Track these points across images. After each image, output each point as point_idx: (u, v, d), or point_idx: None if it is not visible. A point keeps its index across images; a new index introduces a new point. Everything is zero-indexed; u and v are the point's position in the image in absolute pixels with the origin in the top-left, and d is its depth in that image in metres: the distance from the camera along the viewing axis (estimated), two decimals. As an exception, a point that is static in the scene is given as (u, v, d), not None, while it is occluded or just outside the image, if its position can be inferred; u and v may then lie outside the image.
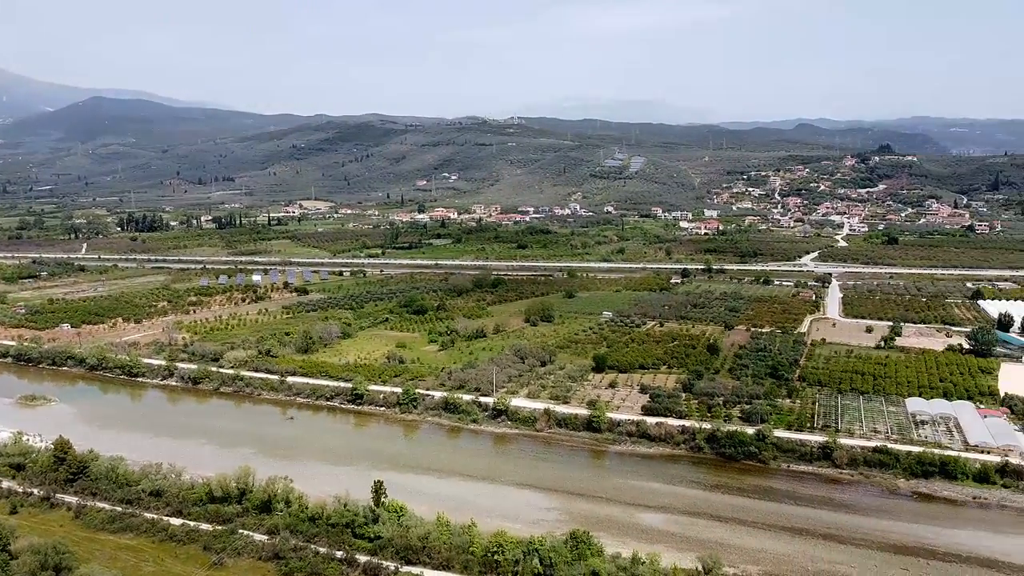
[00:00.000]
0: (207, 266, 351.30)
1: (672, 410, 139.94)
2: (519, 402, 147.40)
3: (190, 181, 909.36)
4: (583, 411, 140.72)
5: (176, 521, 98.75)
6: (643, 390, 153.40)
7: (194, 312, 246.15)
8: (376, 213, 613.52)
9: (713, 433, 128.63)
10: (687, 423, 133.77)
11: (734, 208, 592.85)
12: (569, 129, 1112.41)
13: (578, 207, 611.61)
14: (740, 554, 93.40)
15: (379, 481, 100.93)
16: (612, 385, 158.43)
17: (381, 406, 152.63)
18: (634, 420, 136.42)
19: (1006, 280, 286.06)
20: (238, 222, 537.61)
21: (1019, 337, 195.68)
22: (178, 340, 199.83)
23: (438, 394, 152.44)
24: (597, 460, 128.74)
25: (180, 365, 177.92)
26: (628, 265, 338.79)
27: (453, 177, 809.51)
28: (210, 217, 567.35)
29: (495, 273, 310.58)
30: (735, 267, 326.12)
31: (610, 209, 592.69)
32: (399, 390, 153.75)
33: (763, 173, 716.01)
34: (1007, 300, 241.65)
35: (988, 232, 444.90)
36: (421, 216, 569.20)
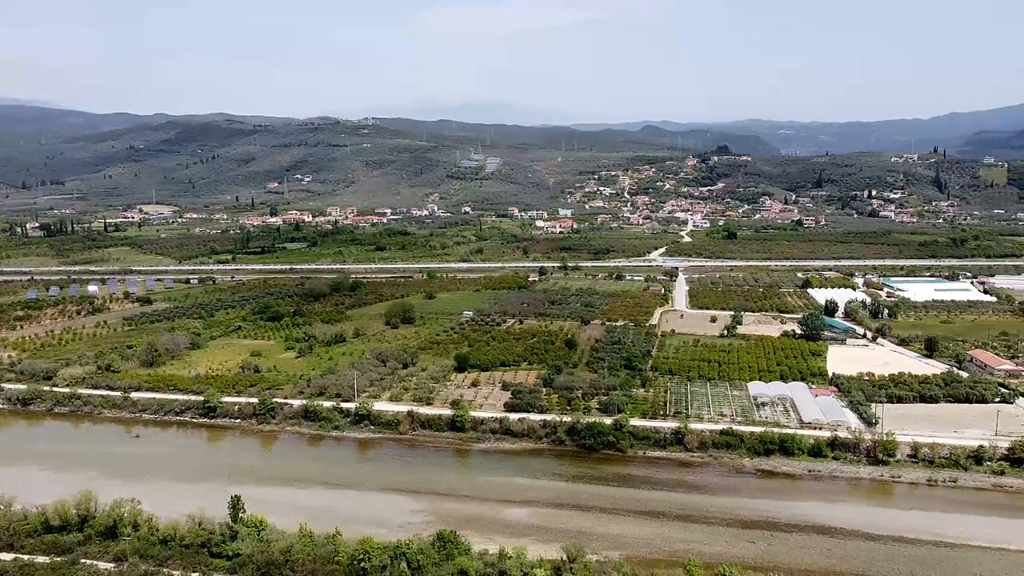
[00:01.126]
0: (35, 277, 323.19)
1: (534, 405, 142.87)
2: (382, 406, 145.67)
3: (12, 185, 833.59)
4: (447, 411, 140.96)
5: (7, 556, 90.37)
6: (505, 387, 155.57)
7: (21, 328, 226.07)
8: (225, 217, 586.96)
9: (573, 426, 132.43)
10: (548, 417, 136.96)
11: (587, 207, 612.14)
12: (425, 130, 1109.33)
13: (436, 208, 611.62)
14: (603, 541, 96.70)
15: (236, 496, 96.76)
16: (475, 384, 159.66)
17: (236, 418, 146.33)
18: (497, 417, 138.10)
19: (831, 269, 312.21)
20: (70, 229, 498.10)
21: (843, 321, 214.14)
22: (2, 359, 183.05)
23: (297, 402, 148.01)
24: (462, 459, 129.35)
25: (6, 386, 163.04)
26: (487, 264, 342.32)
27: (307, 179, 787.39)
28: (37, 224, 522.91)
29: (353, 276, 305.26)
30: (590, 264, 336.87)
31: (468, 209, 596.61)
32: (255, 400, 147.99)
33: (613, 173, 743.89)
34: (832, 288, 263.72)
35: (814, 226, 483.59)
36: (274, 219, 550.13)
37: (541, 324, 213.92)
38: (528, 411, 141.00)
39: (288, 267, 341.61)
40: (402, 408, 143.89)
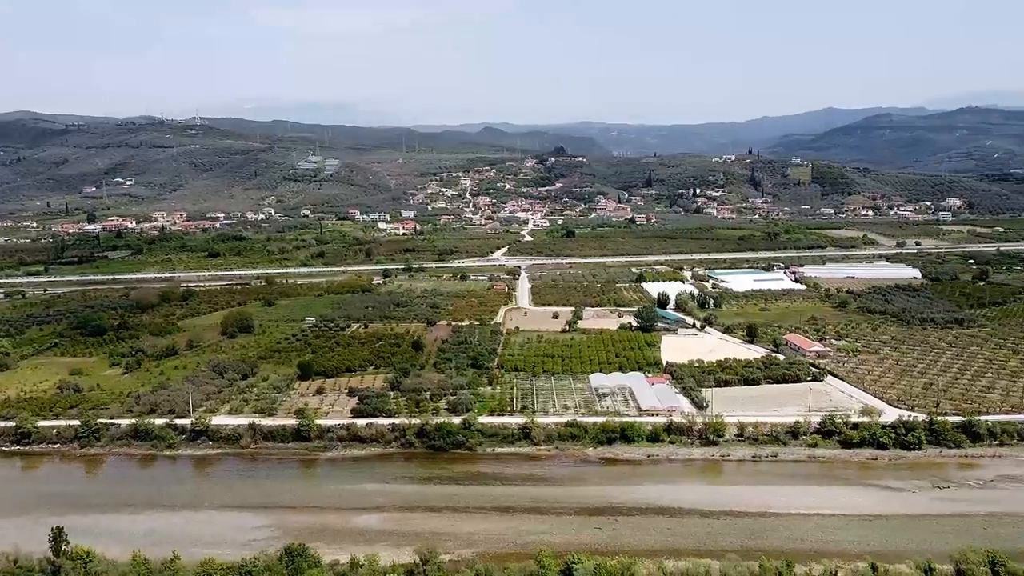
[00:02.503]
0: None
1: (381, 410, 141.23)
2: (220, 420, 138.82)
3: None
4: (291, 421, 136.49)
5: None
6: (352, 393, 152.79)
7: None
8: (35, 225, 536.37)
9: (422, 427, 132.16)
10: (397, 421, 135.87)
11: (430, 208, 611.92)
12: (258, 131, 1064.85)
13: (273, 211, 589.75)
14: (456, 540, 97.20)
15: (58, 528, 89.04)
16: (320, 391, 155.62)
17: (55, 443, 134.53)
18: (344, 424, 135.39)
19: (662, 264, 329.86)
20: None
21: (674, 313, 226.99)
22: None
23: (125, 421, 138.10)
24: (309, 469, 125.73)
25: None
26: (329, 269, 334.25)
27: (129, 182, 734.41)
28: None
29: (185, 285, 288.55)
30: (434, 265, 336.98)
31: (307, 213, 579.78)
32: (77, 422, 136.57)
33: (455, 174, 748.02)
34: (663, 281, 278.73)
35: (646, 223, 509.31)
36: (92, 226, 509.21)
37: (387, 327, 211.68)
38: (376, 416, 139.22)
39: (111, 277, 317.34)
40: (243, 421, 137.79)
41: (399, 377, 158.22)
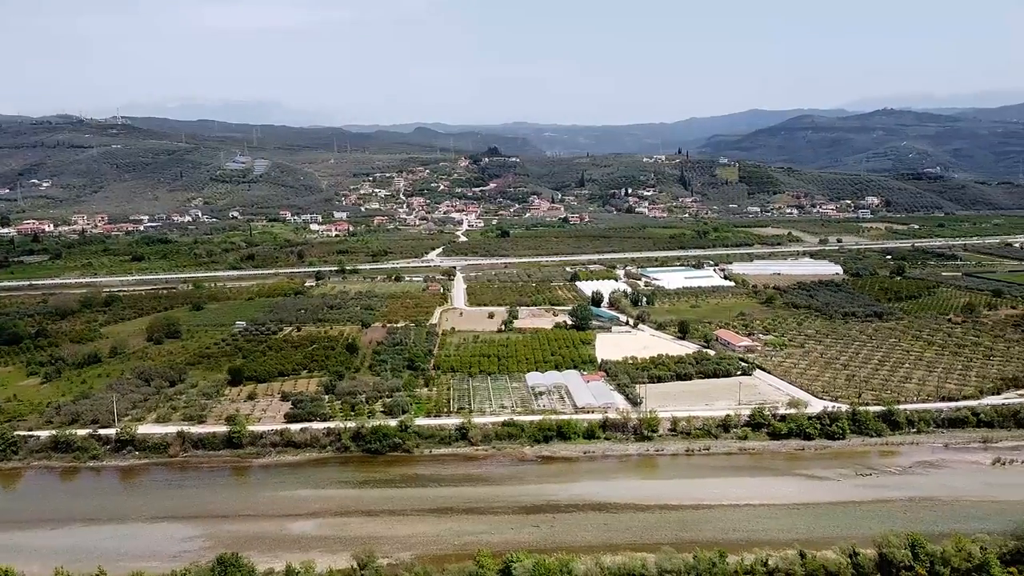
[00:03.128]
0: None
1: (316, 414, 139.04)
2: (148, 429, 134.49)
3: None
4: (222, 428, 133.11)
5: None
6: (285, 397, 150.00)
7: None
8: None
9: (358, 431, 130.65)
10: (332, 425, 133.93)
11: (363, 209, 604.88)
12: (183, 130, 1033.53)
13: (200, 213, 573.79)
14: (393, 544, 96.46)
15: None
16: (251, 397, 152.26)
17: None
18: (277, 429, 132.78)
19: (595, 263, 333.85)
20: None
21: (608, 311, 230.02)
22: None
23: (45, 433, 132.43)
24: (241, 477, 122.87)
25: None
26: (259, 271, 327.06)
27: (45, 184, 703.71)
28: None
29: (108, 290, 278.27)
30: (368, 266, 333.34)
31: (236, 214, 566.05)
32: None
33: (388, 174, 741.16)
34: (597, 280, 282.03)
35: (579, 223, 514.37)
36: (5, 231, 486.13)
37: (320, 330, 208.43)
38: (310, 420, 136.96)
39: (27, 283, 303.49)
40: (171, 429, 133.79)
41: (333, 380, 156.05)
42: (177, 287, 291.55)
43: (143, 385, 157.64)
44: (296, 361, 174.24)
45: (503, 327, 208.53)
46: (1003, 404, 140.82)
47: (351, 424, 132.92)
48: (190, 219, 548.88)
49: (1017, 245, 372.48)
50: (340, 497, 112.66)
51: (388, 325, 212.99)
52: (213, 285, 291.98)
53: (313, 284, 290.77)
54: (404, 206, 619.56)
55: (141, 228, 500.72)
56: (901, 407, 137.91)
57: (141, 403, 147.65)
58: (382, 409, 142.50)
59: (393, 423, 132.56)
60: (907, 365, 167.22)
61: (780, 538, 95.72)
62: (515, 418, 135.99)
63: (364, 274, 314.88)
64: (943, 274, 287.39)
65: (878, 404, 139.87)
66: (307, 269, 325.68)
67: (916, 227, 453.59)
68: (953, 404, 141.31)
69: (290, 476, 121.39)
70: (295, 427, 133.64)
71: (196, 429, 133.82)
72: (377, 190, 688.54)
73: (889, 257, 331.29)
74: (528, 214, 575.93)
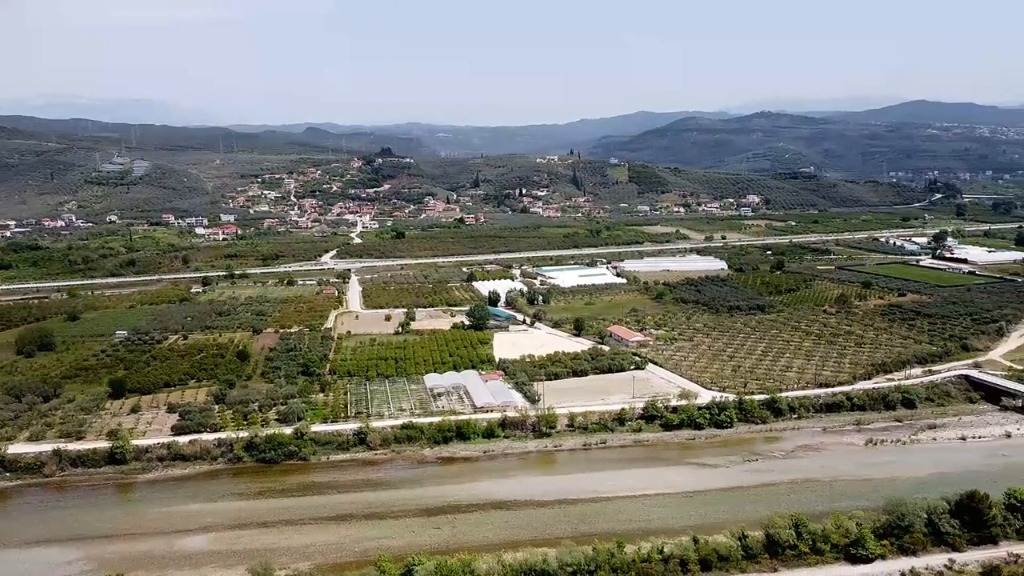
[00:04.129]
0: None
1: (206, 425, 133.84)
2: (19, 448, 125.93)
3: None
4: (103, 444, 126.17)
5: None
6: (171, 409, 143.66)
7: None
8: None
9: (251, 440, 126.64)
10: (223, 435, 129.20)
11: (252, 212, 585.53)
12: (53, 129, 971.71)
13: (74, 217, 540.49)
14: (291, 555, 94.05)
15: None
16: (135, 410, 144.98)
17: None
18: (164, 443, 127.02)
19: (491, 263, 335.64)
20: None
21: (505, 310, 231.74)
22: None
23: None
24: (126, 494, 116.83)
25: None
26: (141, 278, 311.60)
27: None
28: None
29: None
30: (258, 271, 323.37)
31: (114, 218, 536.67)
32: None
33: (278, 176, 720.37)
34: (494, 279, 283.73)
35: (475, 223, 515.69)
36: None
37: (209, 338, 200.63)
38: (200, 432, 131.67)
39: None
40: (46, 447, 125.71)
41: (224, 390, 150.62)
42: (50, 296, 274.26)
43: (13, 402, 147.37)
44: (183, 371, 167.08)
45: (400, 329, 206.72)
46: (873, 388, 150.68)
47: (244, 434, 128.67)
48: (63, 224, 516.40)
49: (883, 239, 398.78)
50: (234, 510, 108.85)
51: (281, 331, 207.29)
52: (90, 294, 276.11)
53: (200, 290, 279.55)
54: (296, 208, 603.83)
55: (8, 234, 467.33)
56: (783, 395, 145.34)
57: (11, 421, 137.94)
58: (276, 417, 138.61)
59: (288, 431, 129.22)
60: (788, 355, 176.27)
61: (675, 525, 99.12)
62: (414, 420, 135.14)
63: (255, 279, 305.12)
64: (818, 268, 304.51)
65: (762, 393, 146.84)
66: (193, 275, 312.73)
67: (793, 224, 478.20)
68: (830, 390, 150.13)
69: (179, 490, 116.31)
70: (183, 439, 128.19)
71: (74, 446, 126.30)
72: (267, 192, 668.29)
73: (769, 253, 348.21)
74: (423, 215, 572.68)
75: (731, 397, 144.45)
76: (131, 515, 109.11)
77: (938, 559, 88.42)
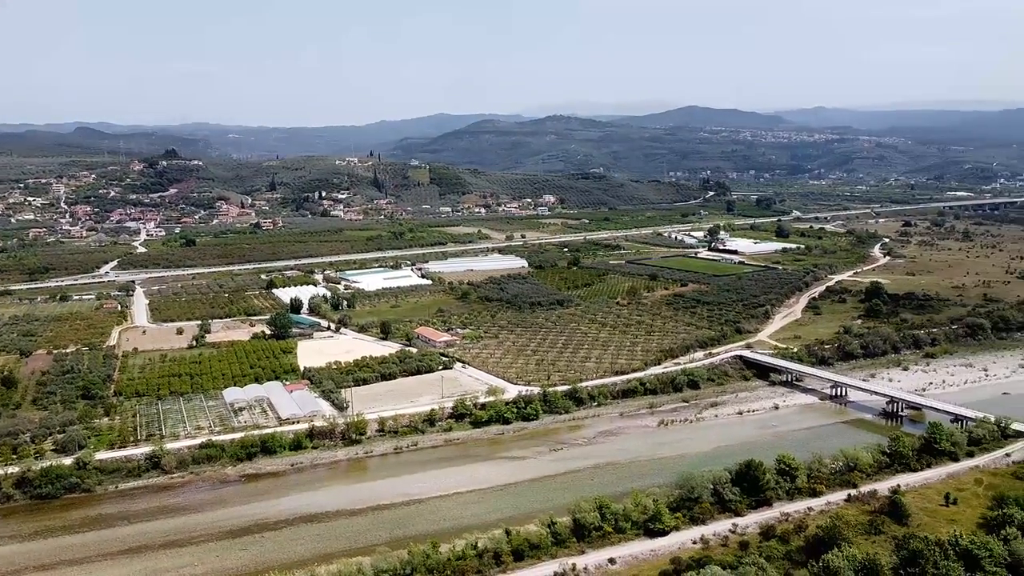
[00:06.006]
0: None
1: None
2: None
3: None
4: None
5: None
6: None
7: None
8: None
9: (23, 476, 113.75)
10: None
11: (13, 221, 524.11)
12: None
13: None
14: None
15: None
16: None
17: None
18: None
19: (292, 269, 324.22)
20: None
21: (308, 317, 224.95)
22: None
23: None
24: None
25: None
26: None
27: None
28: None
29: None
30: (24, 286, 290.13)
31: None
32: None
33: (44, 181, 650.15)
34: (295, 286, 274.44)
35: (273, 228, 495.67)
36: None
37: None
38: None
39: None
40: None
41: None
42: None
43: None
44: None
45: (195, 343, 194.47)
46: (663, 373, 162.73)
47: (14, 469, 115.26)
48: None
49: (666, 234, 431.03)
50: (6, 555, 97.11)
51: (55, 351, 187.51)
52: None
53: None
54: (67, 216, 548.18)
55: None
56: (584, 385, 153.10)
57: None
58: (53, 447, 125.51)
59: (68, 461, 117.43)
60: (587, 346, 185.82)
61: (488, 520, 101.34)
62: (214, 438, 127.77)
63: (20, 295, 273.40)
64: (611, 263, 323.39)
65: (565, 384, 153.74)
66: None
67: (587, 222, 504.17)
68: (625, 377, 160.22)
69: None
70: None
71: None
72: (31, 199, 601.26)
73: (566, 250, 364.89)
74: (216, 220, 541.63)
75: (536, 390, 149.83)
76: None
77: (723, 525, 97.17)
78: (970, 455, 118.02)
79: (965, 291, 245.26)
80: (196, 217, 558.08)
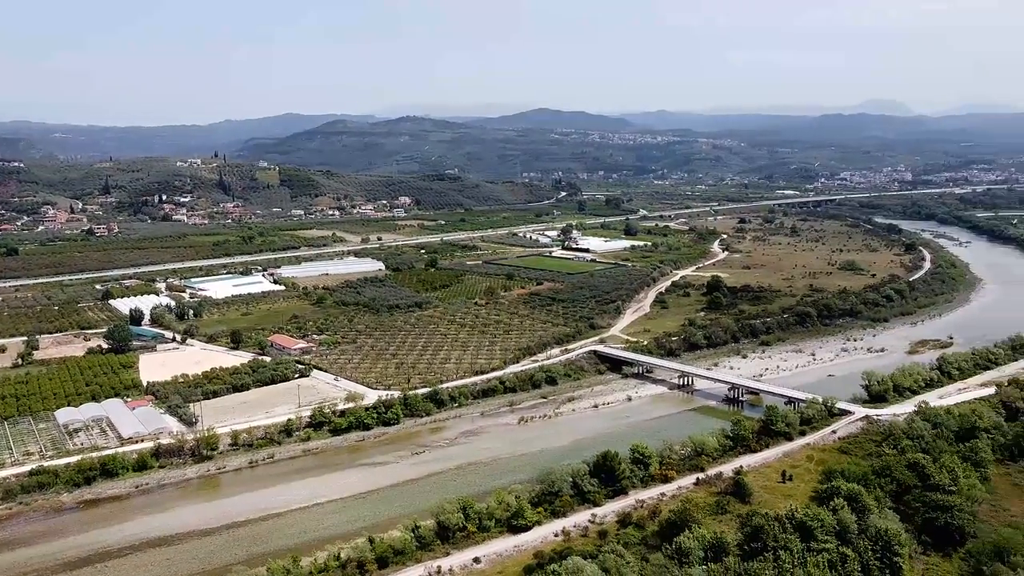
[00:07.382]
0: None
1: None
2: None
3: None
4: None
5: None
6: None
7: None
8: None
9: None
10: None
11: None
12: None
13: None
14: None
15: None
16: None
17: None
18: None
19: (131, 277, 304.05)
20: None
21: (151, 328, 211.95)
22: None
23: None
24: None
25: None
26: None
27: None
28: None
29: None
30: None
31: None
32: None
33: None
34: (135, 296, 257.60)
35: (108, 234, 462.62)
36: None
37: None
38: None
39: None
40: None
41: None
42: None
43: None
44: None
45: (20, 361, 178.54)
46: (522, 371, 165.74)
47: None
48: None
49: (521, 234, 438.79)
50: None
51: None
52: None
53: None
54: None
55: None
56: (444, 386, 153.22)
57: None
58: None
59: None
60: (446, 347, 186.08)
61: (350, 529, 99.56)
62: (45, 464, 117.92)
63: None
64: (468, 263, 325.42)
65: (425, 386, 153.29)
66: None
67: (443, 223, 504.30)
68: (484, 376, 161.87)
69: None
70: None
71: None
72: None
73: (423, 251, 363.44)
74: (42, 227, 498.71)
75: (396, 394, 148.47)
76: None
77: (583, 516, 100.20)
78: (803, 434, 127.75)
79: (794, 282, 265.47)
80: (18, 224, 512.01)
